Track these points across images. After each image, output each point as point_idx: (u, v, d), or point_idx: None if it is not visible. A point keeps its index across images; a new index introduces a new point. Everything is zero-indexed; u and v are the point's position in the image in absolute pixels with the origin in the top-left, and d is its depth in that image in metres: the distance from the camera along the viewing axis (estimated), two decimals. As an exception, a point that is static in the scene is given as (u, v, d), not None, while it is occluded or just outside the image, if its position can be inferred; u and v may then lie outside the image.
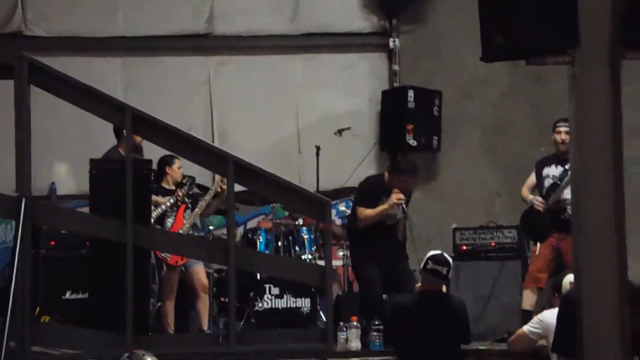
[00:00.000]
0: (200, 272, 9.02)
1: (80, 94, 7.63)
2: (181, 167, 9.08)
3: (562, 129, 8.31)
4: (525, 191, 8.71)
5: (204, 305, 9.02)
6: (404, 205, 8.33)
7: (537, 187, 8.62)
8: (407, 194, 8.46)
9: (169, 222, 8.98)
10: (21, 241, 7.19)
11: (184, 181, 8.98)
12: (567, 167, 8.18)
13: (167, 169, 9.07)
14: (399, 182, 8.38)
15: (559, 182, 8.38)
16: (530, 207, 8.54)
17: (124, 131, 8.00)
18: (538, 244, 8.48)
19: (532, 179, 8.70)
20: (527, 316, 8.02)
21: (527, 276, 8.47)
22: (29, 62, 7.49)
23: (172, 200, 8.89)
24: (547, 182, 8.51)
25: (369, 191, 8.56)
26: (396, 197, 8.23)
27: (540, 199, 8.50)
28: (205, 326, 8.90)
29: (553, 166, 8.51)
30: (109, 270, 7.67)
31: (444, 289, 7.30)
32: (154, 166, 8.79)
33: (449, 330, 7.14)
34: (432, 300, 7.19)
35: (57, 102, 7.84)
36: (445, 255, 7.28)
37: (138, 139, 8.52)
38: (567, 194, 8.12)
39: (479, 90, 11.50)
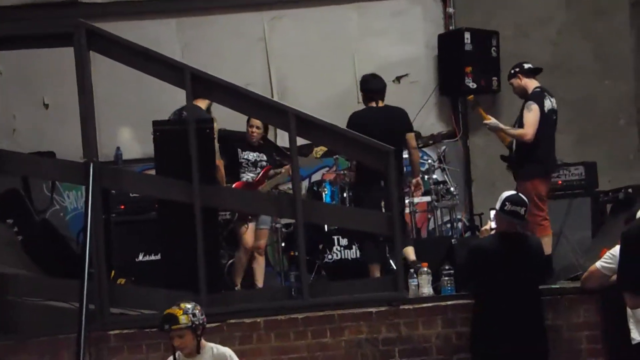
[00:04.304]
0: (260, 234, 9.10)
1: (138, 57, 7.68)
2: (254, 128, 9.13)
3: None
4: None
5: (258, 265, 9.13)
6: None
7: None
8: None
9: (249, 177, 9.07)
10: (92, 205, 7.28)
11: None
12: None
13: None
14: None
15: None
16: None
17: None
18: None
19: None
20: None
21: None
22: (86, 29, 7.55)
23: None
24: None
25: None
26: None
27: None
28: (260, 284, 9.00)
29: None
30: (179, 231, 7.74)
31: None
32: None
33: (529, 270, 7.11)
34: (512, 241, 7.15)
35: (117, 67, 7.88)
36: (521, 195, 7.26)
37: None
38: None
39: (536, 28, 11.33)
